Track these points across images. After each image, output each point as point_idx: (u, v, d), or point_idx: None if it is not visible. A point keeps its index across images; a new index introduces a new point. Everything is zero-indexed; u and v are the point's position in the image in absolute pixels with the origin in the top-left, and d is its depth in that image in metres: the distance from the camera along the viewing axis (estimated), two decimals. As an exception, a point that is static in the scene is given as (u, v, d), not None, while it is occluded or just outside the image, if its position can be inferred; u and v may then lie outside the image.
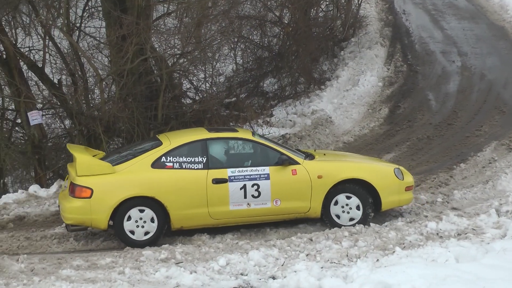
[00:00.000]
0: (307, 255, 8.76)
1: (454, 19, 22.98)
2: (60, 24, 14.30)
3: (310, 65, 18.36)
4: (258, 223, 10.04)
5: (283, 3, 18.54)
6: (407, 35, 21.56)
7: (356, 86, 17.72)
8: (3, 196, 12.26)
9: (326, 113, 16.26)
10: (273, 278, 7.98)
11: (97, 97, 13.80)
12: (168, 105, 13.75)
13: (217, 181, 9.70)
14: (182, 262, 8.65)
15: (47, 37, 14.06)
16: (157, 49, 14.21)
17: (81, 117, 13.23)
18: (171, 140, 9.97)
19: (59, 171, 13.73)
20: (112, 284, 7.79)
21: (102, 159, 10.04)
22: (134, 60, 13.07)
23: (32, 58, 14.46)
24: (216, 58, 15.65)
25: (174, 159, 9.71)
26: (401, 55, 19.93)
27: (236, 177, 9.74)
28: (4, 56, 13.81)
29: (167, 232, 9.74)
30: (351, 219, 9.96)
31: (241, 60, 18.51)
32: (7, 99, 14.51)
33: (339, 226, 9.83)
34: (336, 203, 9.95)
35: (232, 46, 17.79)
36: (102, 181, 9.48)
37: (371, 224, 9.87)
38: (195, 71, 14.89)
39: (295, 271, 7.94)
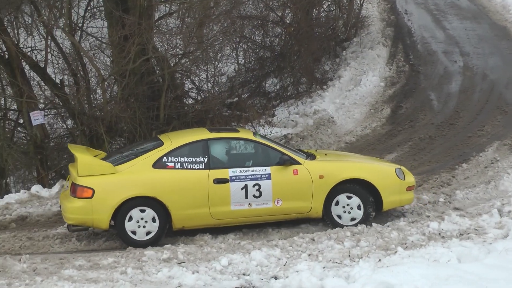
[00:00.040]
0: (309, 255, 8.74)
1: (456, 19, 22.97)
2: (62, 24, 14.33)
3: (312, 65, 18.35)
4: (260, 223, 10.03)
5: (285, 3, 18.54)
6: (409, 35, 21.55)
7: (358, 86, 17.72)
8: (6, 196, 12.27)
9: (328, 113, 16.25)
10: (275, 278, 7.97)
11: (99, 97, 13.81)
12: (170, 105, 13.73)
13: (218, 181, 9.69)
14: (184, 262, 8.63)
15: (49, 37, 14.08)
16: (159, 49, 14.21)
17: (83, 117, 13.24)
18: (173, 140, 9.96)
19: (61, 171, 13.74)
20: (114, 284, 7.78)
21: (103, 159, 10.04)
22: (136, 60, 13.07)
23: (34, 58, 14.48)
24: (218, 58, 15.63)
25: (176, 159, 9.70)
26: (403, 55, 19.92)
27: (237, 177, 9.73)
28: (6, 56, 13.83)
29: (169, 232, 9.73)
30: (353, 219, 9.95)
31: (243, 60, 18.51)
32: (9, 99, 14.53)
33: (341, 226, 9.82)
34: (337, 203, 9.95)
35: (234, 46, 17.79)
36: (104, 181, 9.47)
37: (373, 224, 9.86)
38: (197, 71, 14.88)
39: (297, 271, 7.93)
